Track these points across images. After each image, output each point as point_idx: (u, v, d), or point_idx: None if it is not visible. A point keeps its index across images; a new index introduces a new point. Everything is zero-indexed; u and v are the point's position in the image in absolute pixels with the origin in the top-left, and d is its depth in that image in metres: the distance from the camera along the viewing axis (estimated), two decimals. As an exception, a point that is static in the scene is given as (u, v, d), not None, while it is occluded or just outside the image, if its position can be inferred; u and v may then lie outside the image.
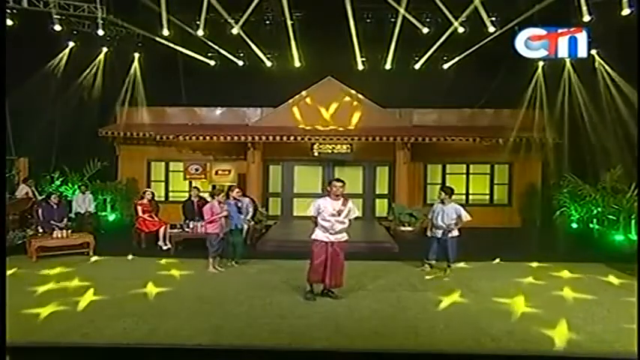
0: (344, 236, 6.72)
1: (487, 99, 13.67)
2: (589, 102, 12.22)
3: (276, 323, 5.70)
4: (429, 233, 8.55)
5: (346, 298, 6.69)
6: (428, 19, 12.38)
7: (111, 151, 14.41)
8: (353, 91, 13.88)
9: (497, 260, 9.11)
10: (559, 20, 11.38)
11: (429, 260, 8.42)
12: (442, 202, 8.38)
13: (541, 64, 13.09)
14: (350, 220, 6.72)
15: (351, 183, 14.14)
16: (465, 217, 8.18)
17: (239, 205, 8.98)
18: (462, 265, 8.67)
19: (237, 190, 9.10)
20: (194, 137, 12.97)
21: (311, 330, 5.55)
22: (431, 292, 7.03)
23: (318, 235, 6.66)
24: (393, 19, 12.32)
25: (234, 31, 12.10)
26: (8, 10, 10.87)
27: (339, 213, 6.54)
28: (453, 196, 8.55)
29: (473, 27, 12.12)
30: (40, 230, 10.11)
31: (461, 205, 8.56)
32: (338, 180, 6.74)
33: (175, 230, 10.09)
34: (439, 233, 8.29)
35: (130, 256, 9.32)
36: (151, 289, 7.12)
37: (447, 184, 12.45)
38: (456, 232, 8.25)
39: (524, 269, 8.48)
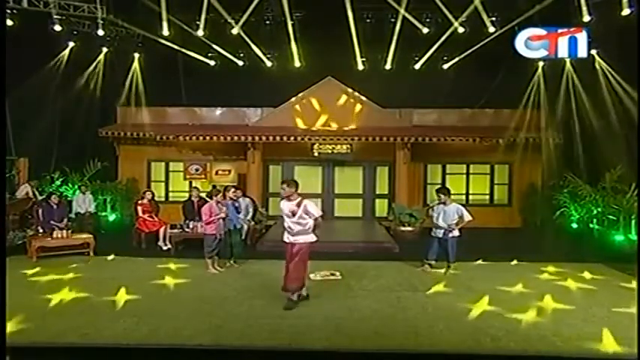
0: (303, 238, 6.41)
1: (487, 99, 13.69)
2: (589, 102, 12.23)
3: (277, 323, 5.70)
4: (433, 233, 8.56)
5: (346, 298, 6.69)
6: (428, 19, 12.40)
7: (111, 152, 14.41)
8: (353, 91, 13.88)
9: (498, 260, 9.10)
10: (559, 20, 11.38)
11: (428, 260, 8.42)
12: (443, 202, 8.38)
13: (541, 64, 13.11)
14: (317, 222, 6.37)
15: (351, 183, 14.38)
16: (467, 217, 8.19)
17: (236, 205, 8.99)
18: (462, 265, 8.67)
19: (233, 189, 9.11)
20: (194, 137, 12.97)
21: (311, 330, 5.55)
22: (431, 293, 7.03)
23: (283, 236, 6.63)
24: (393, 19, 12.34)
25: (234, 31, 12.11)
26: (8, 10, 10.86)
27: (293, 214, 6.41)
28: (455, 197, 8.55)
29: (473, 27, 12.13)
30: (41, 230, 10.12)
31: (461, 205, 8.57)
32: (284, 182, 6.58)
33: (175, 230, 10.09)
34: (440, 233, 8.31)
35: (125, 257, 9.34)
36: (151, 289, 7.12)
37: (447, 185, 12.49)
38: (456, 232, 8.26)
39: (524, 269, 8.48)
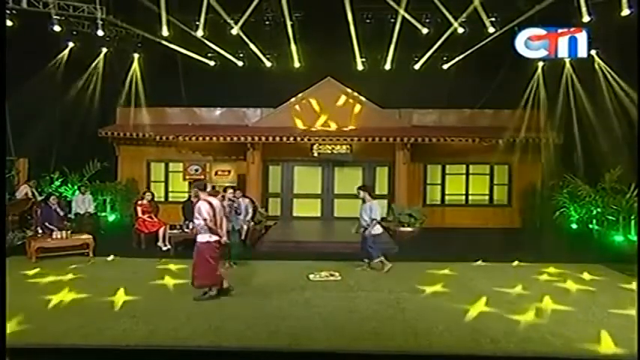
0: (198, 237, 6.74)
1: (487, 99, 13.66)
2: (589, 102, 12.22)
3: (276, 324, 5.70)
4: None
5: (346, 299, 6.69)
6: (428, 20, 12.39)
7: (111, 152, 14.41)
8: (353, 92, 13.87)
9: (497, 261, 9.10)
10: (559, 20, 11.38)
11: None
12: (362, 199, 8.56)
13: (541, 64, 13.09)
14: (206, 222, 6.55)
15: (350, 183, 14.31)
16: (372, 216, 8.30)
17: (235, 205, 9.00)
18: (461, 265, 8.67)
19: (230, 190, 9.13)
20: (194, 138, 12.96)
21: (310, 331, 5.55)
22: (430, 293, 7.03)
23: None
24: (393, 20, 12.32)
25: (234, 31, 12.10)
26: (8, 11, 10.86)
27: None
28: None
29: (473, 27, 12.11)
30: (40, 231, 10.11)
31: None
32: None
33: (175, 231, 10.09)
34: (361, 230, 8.49)
35: (127, 258, 9.34)
36: (151, 290, 7.12)
37: (447, 185, 12.44)
38: (375, 230, 8.35)
39: (523, 270, 8.48)
